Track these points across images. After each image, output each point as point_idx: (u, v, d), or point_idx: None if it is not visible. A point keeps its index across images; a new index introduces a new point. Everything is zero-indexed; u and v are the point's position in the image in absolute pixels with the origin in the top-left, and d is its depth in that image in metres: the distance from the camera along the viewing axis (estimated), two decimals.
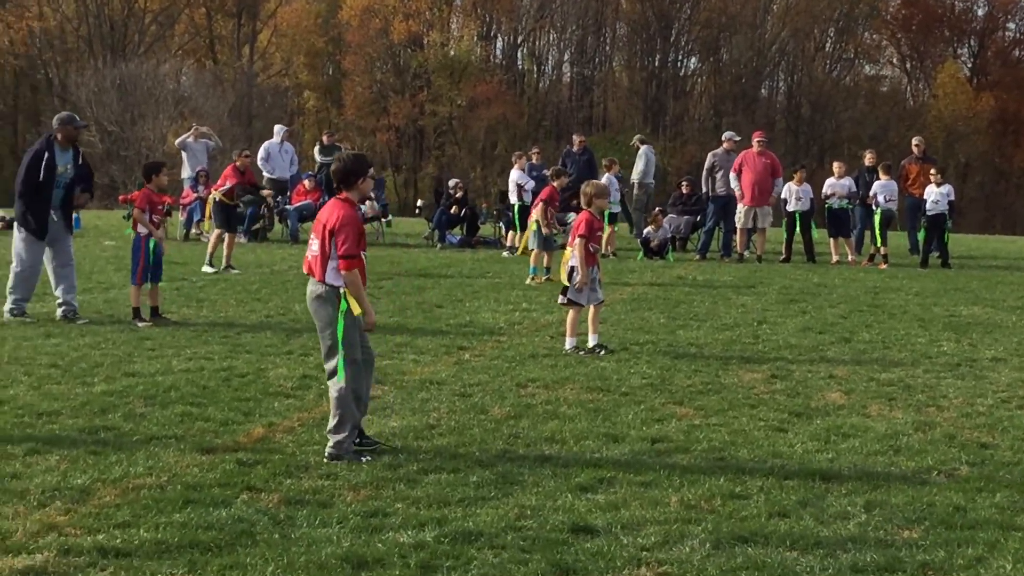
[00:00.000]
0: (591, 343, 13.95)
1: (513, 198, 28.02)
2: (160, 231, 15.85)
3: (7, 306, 15.65)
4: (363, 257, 9.25)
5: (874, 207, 27.01)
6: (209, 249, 22.45)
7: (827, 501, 8.10)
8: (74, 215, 16.54)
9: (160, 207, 16.05)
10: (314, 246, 9.19)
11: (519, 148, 39.08)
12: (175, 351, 13.41)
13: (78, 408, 10.39)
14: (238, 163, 24.25)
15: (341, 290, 9.03)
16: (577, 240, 14.00)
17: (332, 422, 9.10)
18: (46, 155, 15.61)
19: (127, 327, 15.08)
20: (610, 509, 7.79)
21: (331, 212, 9.16)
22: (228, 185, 23.41)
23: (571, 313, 14.10)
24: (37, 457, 8.78)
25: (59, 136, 15.86)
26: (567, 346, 13.99)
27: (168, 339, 14.24)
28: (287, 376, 12.02)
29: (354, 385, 9.12)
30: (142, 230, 15.69)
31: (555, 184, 22.23)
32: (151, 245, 15.60)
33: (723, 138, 29.38)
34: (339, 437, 9.01)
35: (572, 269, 14.07)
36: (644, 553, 6.96)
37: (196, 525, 7.22)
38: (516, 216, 26.70)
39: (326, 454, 8.97)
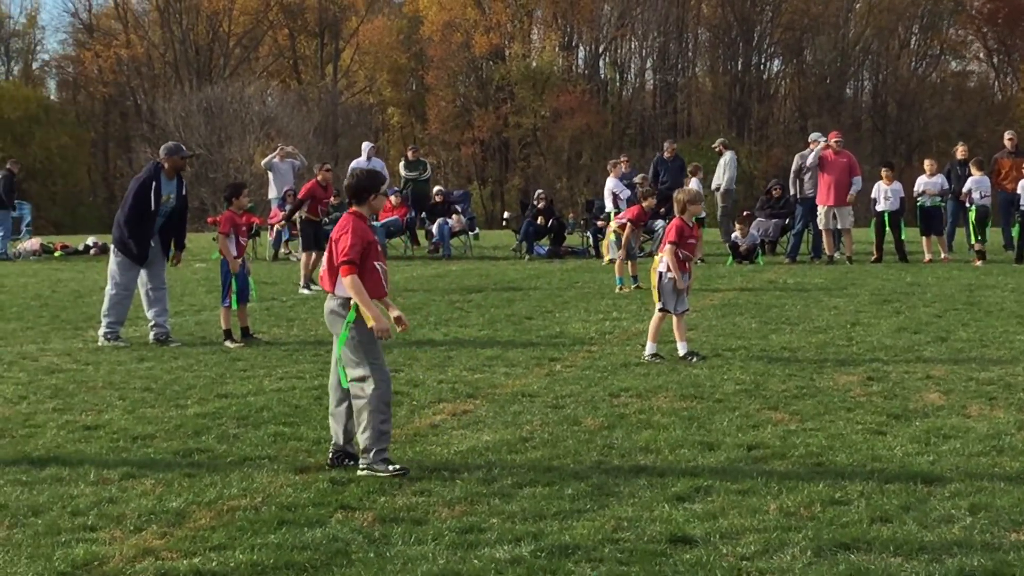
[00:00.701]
0: (681, 352, 13.82)
1: (609, 206, 28.02)
2: (238, 257, 15.85)
3: (102, 330, 15.79)
4: (378, 268, 9.22)
5: (968, 204, 26.66)
6: (303, 271, 22.41)
7: (930, 505, 7.94)
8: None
9: (244, 228, 16.14)
10: (323, 261, 9.24)
11: (605, 157, 38.97)
12: (266, 371, 13.45)
13: (172, 431, 10.43)
14: (319, 178, 23.66)
15: (352, 302, 9.03)
16: (668, 247, 13.89)
17: (363, 436, 8.99)
18: (154, 184, 15.77)
19: (219, 349, 15.16)
20: (708, 518, 7.69)
21: (339, 225, 9.23)
22: (297, 203, 23.19)
23: (656, 319, 13.99)
24: (133, 481, 8.81)
25: (166, 165, 16.01)
26: (647, 352, 13.89)
27: (259, 359, 14.29)
28: None
29: (381, 391, 9.02)
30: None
31: (644, 205, 22.11)
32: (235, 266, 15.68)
33: (809, 140, 29.17)
34: (375, 448, 8.92)
35: (661, 275, 13.95)
36: (744, 563, 6.85)
37: (291, 546, 7.20)
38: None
39: (360, 468, 8.92)
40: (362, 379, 9.02)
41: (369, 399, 8.97)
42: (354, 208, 9.33)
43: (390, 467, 8.87)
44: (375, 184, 9.46)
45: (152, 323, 15.90)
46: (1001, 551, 6.96)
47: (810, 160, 27.43)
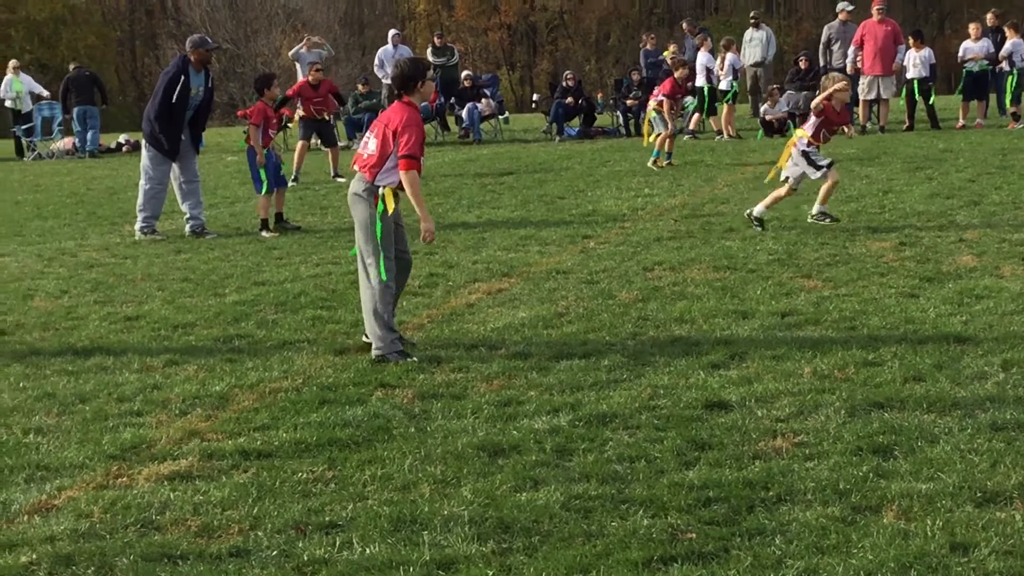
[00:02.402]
0: (815, 211, 14.07)
1: (701, 80, 27.88)
2: (265, 147, 15.81)
3: (138, 224, 15.92)
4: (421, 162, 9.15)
5: (1008, 68, 26.43)
6: (296, 162, 22.02)
7: (963, 363, 8.02)
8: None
9: (274, 121, 16.15)
10: (371, 145, 9.13)
11: (633, 38, 38.75)
12: (302, 258, 13.56)
13: (212, 319, 10.57)
14: (310, 78, 23.01)
15: (381, 191, 8.99)
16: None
17: (369, 322, 9.10)
18: (182, 78, 15.78)
19: (254, 239, 15.27)
20: (743, 384, 7.79)
21: (395, 114, 9.14)
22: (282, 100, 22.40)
23: (784, 191, 14.08)
24: (176, 368, 8.96)
25: (193, 58, 15.99)
26: (755, 211, 14.08)
27: (295, 247, 14.39)
28: (414, 275, 11.93)
29: (391, 284, 9.12)
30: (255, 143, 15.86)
31: (676, 76, 21.94)
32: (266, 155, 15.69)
33: (837, 9, 28.89)
34: (381, 333, 8.99)
35: (804, 153, 13.83)
36: (779, 424, 6.96)
37: (333, 423, 7.34)
38: (707, 99, 27.78)
39: (372, 356, 8.96)
40: (372, 266, 9.11)
41: (380, 290, 9.03)
42: (407, 98, 9.18)
43: (408, 358, 8.88)
44: (420, 71, 9.27)
45: (187, 216, 16.00)
46: None
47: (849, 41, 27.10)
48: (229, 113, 49.47)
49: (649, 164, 21.04)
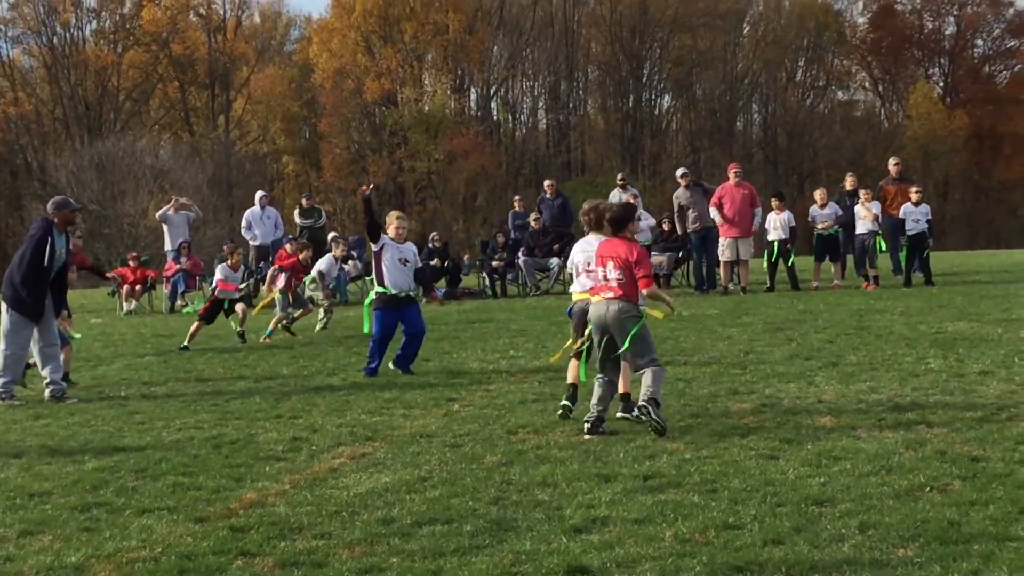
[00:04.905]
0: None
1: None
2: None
3: None
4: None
5: (863, 231, 27.21)
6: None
7: (821, 525, 8.10)
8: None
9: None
10: (611, 274, 11.60)
11: (500, 198, 39.33)
12: (164, 423, 13.39)
13: (70, 487, 10.36)
14: None
15: (642, 308, 11.62)
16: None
17: (653, 389, 11.48)
18: (49, 240, 15.61)
19: (116, 403, 15.06)
20: (605, 548, 7.78)
21: (623, 247, 11.64)
22: None
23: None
24: (30, 538, 8.74)
25: (56, 220, 15.85)
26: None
27: (157, 411, 14.22)
28: (277, 440, 12.00)
29: (661, 366, 11.76)
30: None
31: (300, 257, 23.77)
32: None
33: (678, 176, 29.62)
34: (658, 396, 11.48)
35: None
36: None
37: None
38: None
39: (641, 404, 11.47)
40: (652, 360, 11.57)
41: (656, 371, 11.57)
42: (624, 235, 11.76)
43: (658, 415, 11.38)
44: (630, 214, 12.07)
45: (47, 380, 15.75)
46: (889, 567, 7.13)
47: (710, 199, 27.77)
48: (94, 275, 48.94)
49: (261, 340, 21.61)
